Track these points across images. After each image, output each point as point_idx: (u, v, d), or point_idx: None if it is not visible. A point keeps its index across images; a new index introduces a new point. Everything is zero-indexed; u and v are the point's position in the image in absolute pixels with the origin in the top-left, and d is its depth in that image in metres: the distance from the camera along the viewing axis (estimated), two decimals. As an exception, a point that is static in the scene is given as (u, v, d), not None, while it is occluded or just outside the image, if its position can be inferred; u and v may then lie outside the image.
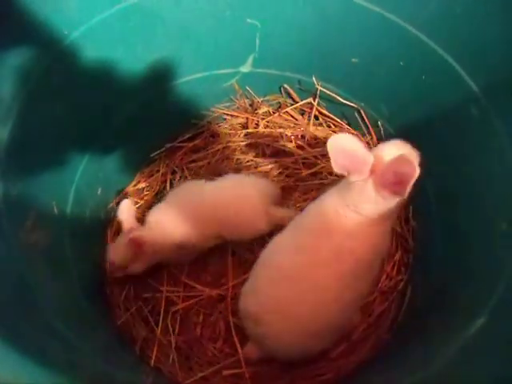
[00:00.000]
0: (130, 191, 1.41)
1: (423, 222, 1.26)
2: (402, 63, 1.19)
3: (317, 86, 1.37)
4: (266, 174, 1.42)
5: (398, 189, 0.89)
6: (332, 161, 0.92)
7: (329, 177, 1.39)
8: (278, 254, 1.04)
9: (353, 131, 1.42)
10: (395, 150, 0.94)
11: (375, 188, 0.92)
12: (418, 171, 0.84)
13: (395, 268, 1.28)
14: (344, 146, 0.90)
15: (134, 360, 1.13)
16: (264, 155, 1.45)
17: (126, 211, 1.25)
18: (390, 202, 0.93)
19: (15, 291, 0.92)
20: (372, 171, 0.91)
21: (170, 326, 1.20)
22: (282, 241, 1.06)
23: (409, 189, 0.87)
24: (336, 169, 0.93)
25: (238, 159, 1.45)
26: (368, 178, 0.92)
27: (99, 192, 1.31)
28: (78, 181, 1.21)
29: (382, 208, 0.94)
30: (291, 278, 0.99)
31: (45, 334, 0.89)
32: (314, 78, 1.36)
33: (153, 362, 1.14)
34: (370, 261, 0.99)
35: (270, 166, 1.43)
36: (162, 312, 1.21)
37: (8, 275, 0.92)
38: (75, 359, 0.87)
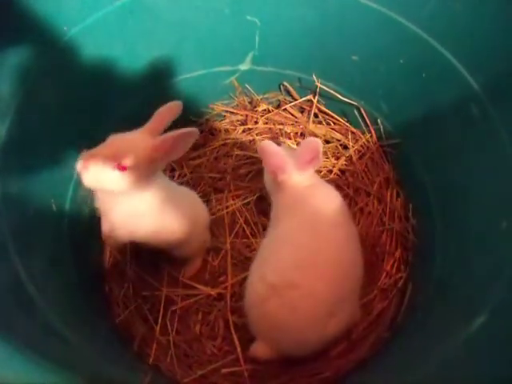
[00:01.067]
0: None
1: (423, 220, 1.26)
2: (401, 61, 1.19)
3: (316, 84, 1.37)
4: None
5: (315, 162, 1.11)
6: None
7: (329, 175, 1.39)
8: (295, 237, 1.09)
9: (352, 129, 1.42)
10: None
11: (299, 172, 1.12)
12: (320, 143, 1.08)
13: (395, 266, 1.28)
14: (269, 151, 1.12)
15: (132, 358, 1.12)
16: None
17: None
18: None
19: (13, 289, 0.92)
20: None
21: (168, 324, 1.20)
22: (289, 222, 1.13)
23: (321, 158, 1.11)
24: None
25: (237, 156, 1.45)
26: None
27: (98, 189, 1.30)
28: (76, 178, 1.20)
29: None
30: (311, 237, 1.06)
31: (43, 333, 0.89)
32: (313, 76, 1.36)
33: (151, 360, 1.14)
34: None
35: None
36: (161, 310, 1.20)
37: (6, 273, 0.92)
38: (74, 358, 0.86)
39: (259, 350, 1.09)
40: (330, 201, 1.12)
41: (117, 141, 0.99)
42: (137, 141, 1.00)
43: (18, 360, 0.69)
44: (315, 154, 1.10)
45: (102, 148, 0.98)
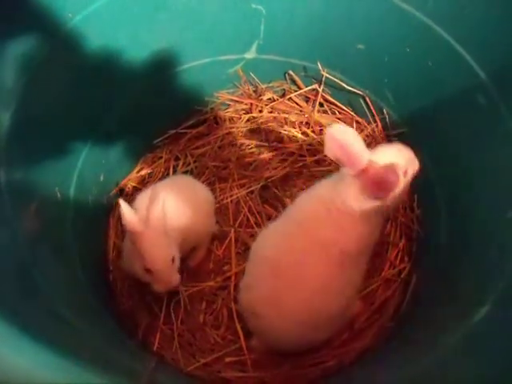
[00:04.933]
0: (132, 178, 1.40)
1: (428, 211, 1.26)
2: (408, 49, 1.18)
3: (322, 73, 1.35)
4: (269, 161, 1.41)
5: (380, 194, 0.92)
6: (326, 147, 0.93)
7: (333, 164, 1.38)
8: (265, 247, 1.05)
9: (358, 118, 1.41)
10: (392, 155, 0.96)
11: (361, 187, 0.93)
12: (400, 182, 0.91)
13: (399, 256, 1.28)
14: (341, 138, 0.90)
15: (137, 346, 1.13)
16: (268, 141, 1.44)
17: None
18: (372, 203, 0.94)
19: (19, 277, 0.92)
20: (364, 170, 0.92)
21: (172, 313, 1.20)
22: (270, 233, 1.07)
23: (390, 197, 0.92)
24: (328, 155, 0.93)
25: (241, 145, 1.44)
26: (358, 175, 0.93)
27: (102, 178, 1.30)
28: (80, 167, 1.21)
29: (365, 207, 0.95)
30: (280, 268, 1.00)
31: (50, 319, 0.89)
32: (319, 65, 1.35)
33: (155, 348, 1.14)
34: (354, 254, 0.99)
35: (273, 153, 1.42)
36: (165, 299, 1.20)
37: (11, 261, 0.92)
38: (81, 343, 0.87)
39: (255, 344, 1.12)
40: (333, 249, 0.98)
41: None
42: None
43: (28, 344, 0.70)
44: (387, 187, 0.91)
45: None
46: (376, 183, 0.91)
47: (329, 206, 0.98)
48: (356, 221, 0.97)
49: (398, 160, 0.95)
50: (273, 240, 1.05)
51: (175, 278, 1.02)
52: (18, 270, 0.92)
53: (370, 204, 0.94)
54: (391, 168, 0.89)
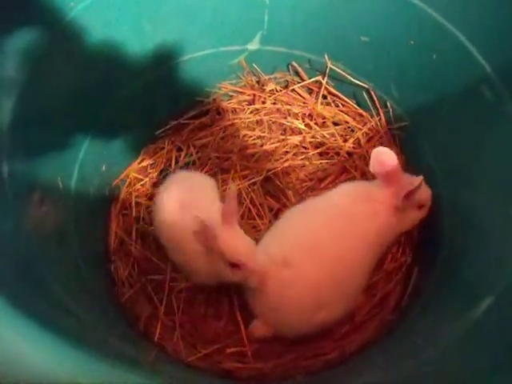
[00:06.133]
0: (134, 168, 1.40)
1: (431, 204, 1.25)
2: (412, 42, 1.18)
3: (327, 64, 1.35)
4: (272, 153, 1.41)
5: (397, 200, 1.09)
6: (371, 165, 1.12)
7: (335, 157, 1.38)
8: (313, 206, 1.16)
9: (361, 111, 1.40)
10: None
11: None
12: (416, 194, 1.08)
13: (400, 249, 1.28)
14: (383, 161, 1.09)
15: (138, 336, 1.13)
16: (271, 132, 1.44)
17: None
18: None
19: (22, 268, 0.92)
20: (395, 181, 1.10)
21: (174, 304, 1.20)
22: (319, 199, 1.18)
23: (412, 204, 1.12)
24: (372, 171, 1.12)
25: (244, 136, 1.44)
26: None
27: (104, 169, 1.30)
28: (82, 157, 1.20)
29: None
30: (325, 223, 1.10)
31: (55, 309, 0.89)
32: (325, 56, 1.34)
33: (156, 338, 1.15)
34: (382, 238, 1.13)
35: (276, 144, 1.42)
36: (166, 290, 1.21)
37: (15, 251, 0.92)
38: (83, 332, 0.87)
39: (256, 327, 1.12)
40: (375, 218, 1.10)
41: None
42: None
43: (33, 335, 0.70)
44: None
45: None
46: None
47: (368, 195, 1.12)
48: (389, 210, 1.11)
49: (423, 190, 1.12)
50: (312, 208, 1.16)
51: (261, 262, 1.01)
52: (21, 261, 0.92)
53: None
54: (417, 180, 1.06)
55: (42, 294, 0.90)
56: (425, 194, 1.14)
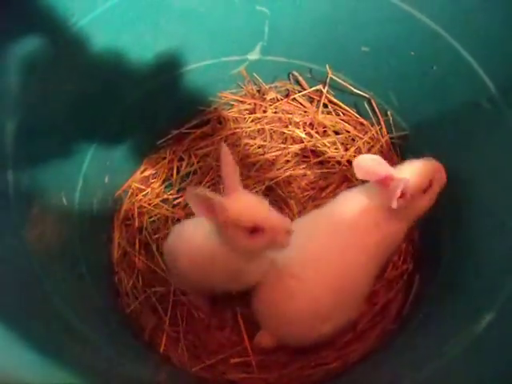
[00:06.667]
0: (136, 179, 1.41)
1: (430, 214, 1.26)
2: (412, 53, 1.18)
3: (328, 74, 1.35)
4: (273, 162, 1.41)
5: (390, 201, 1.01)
6: (356, 173, 1.06)
7: (337, 166, 1.38)
8: (315, 219, 1.14)
9: (362, 120, 1.41)
10: (414, 169, 1.08)
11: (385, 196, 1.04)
12: (397, 193, 0.99)
13: (401, 257, 1.29)
14: (365, 165, 1.04)
15: (143, 348, 1.14)
16: (272, 141, 1.45)
17: None
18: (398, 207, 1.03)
19: (24, 280, 0.93)
20: (385, 183, 1.04)
21: (178, 315, 1.21)
22: (320, 212, 1.17)
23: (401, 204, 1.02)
24: (359, 177, 1.06)
25: (245, 145, 1.44)
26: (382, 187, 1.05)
27: (106, 180, 1.31)
28: (85, 169, 1.21)
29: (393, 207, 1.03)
30: (328, 237, 1.09)
31: (56, 326, 0.90)
32: (326, 66, 1.35)
33: (162, 349, 1.16)
34: (382, 248, 1.11)
35: (277, 153, 1.43)
36: (170, 301, 1.21)
37: (17, 264, 0.93)
38: (87, 353, 0.88)
39: (262, 338, 1.12)
40: (375, 231, 1.08)
41: None
42: None
43: (31, 352, 0.70)
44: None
45: None
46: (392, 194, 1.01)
47: (367, 205, 1.09)
48: (388, 219, 1.08)
49: (423, 174, 1.07)
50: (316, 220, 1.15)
51: (287, 218, 0.91)
52: (23, 273, 0.93)
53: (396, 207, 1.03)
54: (398, 180, 1.00)
55: (44, 309, 0.91)
56: (423, 178, 1.07)
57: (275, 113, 1.46)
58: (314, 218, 1.15)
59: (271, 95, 1.47)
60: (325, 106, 1.44)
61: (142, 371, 1.00)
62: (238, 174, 0.91)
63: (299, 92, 1.46)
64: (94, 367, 0.78)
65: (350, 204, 1.13)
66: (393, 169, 1.06)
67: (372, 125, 1.39)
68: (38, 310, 0.91)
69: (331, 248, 1.07)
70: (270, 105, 1.47)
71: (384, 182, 1.04)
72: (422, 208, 1.10)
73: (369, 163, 1.04)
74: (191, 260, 1.02)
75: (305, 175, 1.39)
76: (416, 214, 1.11)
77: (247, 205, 0.88)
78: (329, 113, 1.44)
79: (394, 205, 1.00)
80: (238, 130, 1.45)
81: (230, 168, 0.91)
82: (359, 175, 1.06)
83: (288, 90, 1.47)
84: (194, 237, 1.02)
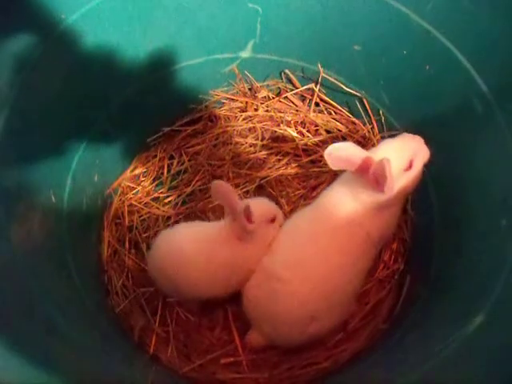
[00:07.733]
0: (126, 177, 1.39)
1: (422, 213, 1.26)
2: (405, 52, 1.18)
3: (319, 73, 1.35)
4: (264, 160, 1.41)
5: (380, 188, 0.97)
6: (330, 165, 1.00)
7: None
8: (297, 222, 1.12)
9: (354, 119, 1.40)
10: (394, 148, 1.02)
11: (367, 183, 1.00)
12: (389, 176, 0.92)
13: (392, 257, 1.29)
14: (337, 154, 0.98)
15: (133, 349, 1.13)
16: (263, 140, 1.44)
17: None
18: (382, 196, 0.99)
19: (10, 281, 0.91)
20: (364, 168, 0.98)
21: (168, 314, 1.20)
22: (302, 214, 1.13)
23: (388, 189, 0.96)
24: (334, 169, 1.01)
25: (236, 143, 1.43)
26: (362, 174, 0.99)
27: (96, 178, 1.30)
28: (74, 167, 1.20)
29: (379, 200, 1.01)
30: (310, 240, 1.06)
31: (42, 327, 0.89)
32: (316, 65, 1.35)
33: (151, 350, 1.15)
34: (376, 239, 1.07)
35: (268, 152, 1.42)
36: (160, 301, 1.21)
37: (4, 265, 0.91)
38: (75, 352, 0.87)
39: (252, 337, 1.12)
40: (359, 231, 1.04)
41: None
42: None
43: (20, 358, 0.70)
44: (380, 180, 0.96)
45: None
46: (374, 179, 0.97)
47: (349, 207, 1.04)
48: (373, 215, 1.03)
49: (402, 152, 1.00)
50: (304, 218, 1.12)
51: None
52: (10, 276, 0.92)
53: (380, 197, 1.00)
54: (380, 163, 0.93)
55: (32, 312, 0.90)
56: (404, 156, 1.00)
57: (267, 111, 1.46)
58: (298, 221, 1.13)
59: (263, 93, 1.46)
60: (317, 104, 1.44)
61: (131, 372, 0.99)
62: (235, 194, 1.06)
63: (291, 90, 1.45)
64: (82, 368, 0.76)
65: (332, 206, 1.07)
66: (368, 152, 1.00)
67: (364, 124, 1.38)
68: (25, 311, 0.90)
69: (316, 250, 1.04)
70: (262, 103, 1.46)
71: (363, 168, 0.97)
72: (408, 187, 1.03)
73: (342, 151, 0.98)
74: (184, 267, 1.07)
75: (296, 174, 1.39)
76: (405, 194, 1.06)
77: (265, 205, 1.13)
78: (320, 111, 1.44)
79: (388, 191, 0.95)
80: (229, 129, 1.44)
81: (231, 194, 1.05)
82: (334, 166, 0.99)
83: (280, 88, 1.46)
84: (185, 244, 1.09)
